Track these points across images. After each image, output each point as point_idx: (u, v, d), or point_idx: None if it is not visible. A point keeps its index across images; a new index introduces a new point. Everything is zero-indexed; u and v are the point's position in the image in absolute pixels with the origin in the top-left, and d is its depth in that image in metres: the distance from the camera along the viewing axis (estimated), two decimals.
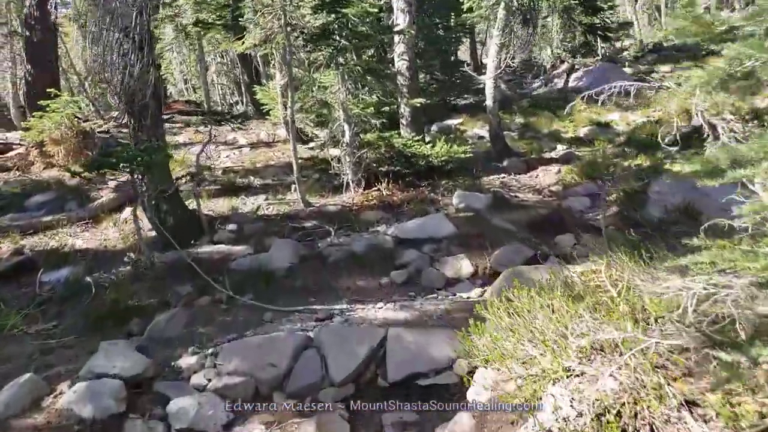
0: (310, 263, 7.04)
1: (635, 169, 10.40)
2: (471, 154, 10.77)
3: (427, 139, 11.40)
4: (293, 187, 11.16)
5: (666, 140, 11.15)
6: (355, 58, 9.87)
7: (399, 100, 10.90)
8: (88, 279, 7.09)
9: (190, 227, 8.09)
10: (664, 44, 28.37)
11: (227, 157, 14.89)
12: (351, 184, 9.89)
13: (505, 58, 11.63)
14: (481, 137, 15.79)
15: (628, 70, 23.82)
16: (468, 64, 24.06)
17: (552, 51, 15.83)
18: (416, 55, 16.94)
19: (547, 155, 11.94)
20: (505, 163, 11.43)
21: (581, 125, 14.81)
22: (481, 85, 23.82)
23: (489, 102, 11.74)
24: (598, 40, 13.35)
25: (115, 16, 7.54)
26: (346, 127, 9.82)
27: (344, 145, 9.87)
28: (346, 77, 9.63)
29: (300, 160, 13.65)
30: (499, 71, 11.52)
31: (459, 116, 17.53)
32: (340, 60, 9.63)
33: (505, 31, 11.74)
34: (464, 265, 6.78)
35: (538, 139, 14.43)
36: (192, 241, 7.86)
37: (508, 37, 11.78)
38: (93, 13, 7.83)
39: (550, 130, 15.42)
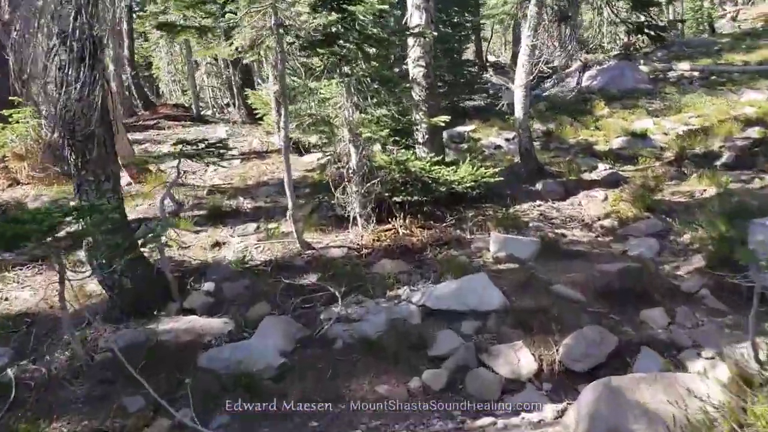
0: (309, 355, 4.96)
1: (702, 196, 8.36)
2: (501, 178, 8.70)
3: (448, 159, 9.32)
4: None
5: (725, 157, 9.06)
6: (364, 65, 7.76)
7: (415, 115, 8.81)
8: (10, 373, 5.02)
9: (154, 290, 6.00)
10: (676, 40, 26.24)
11: (215, 171, 12.80)
12: (359, 218, 7.82)
13: (538, 63, 9.53)
14: (498, 147, 13.71)
15: (644, 68, 21.74)
16: (475, 64, 21.91)
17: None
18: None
19: (586, 176, 9.86)
20: (538, 187, 9.36)
21: (613, 135, 12.73)
22: (488, 85, 21.81)
23: (518, 113, 9.64)
24: (646, 40, 11.24)
25: (46, 17, 5.42)
26: (352, 149, 7.73)
27: (350, 171, 7.78)
28: (352, 89, 7.52)
29: (297, 176, 11.57)
30: (531, 77, 9.42)
31: (470, 122, 15.42)
32: (346, 69, 7.53)
33: (538, 30, 9.63)
34: (524, 359, 4.72)
35: (565, 151, 12.36)
36: (156, 311, 5.80)
37: (541, 37, 9.69)
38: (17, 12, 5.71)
39: (576, 139, 13.33)
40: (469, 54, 24.79)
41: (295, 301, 5.86)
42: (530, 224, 8.01)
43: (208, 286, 6.22)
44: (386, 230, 7.62)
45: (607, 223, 7.91)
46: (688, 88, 18.08)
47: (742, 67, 20.27)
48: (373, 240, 7.45)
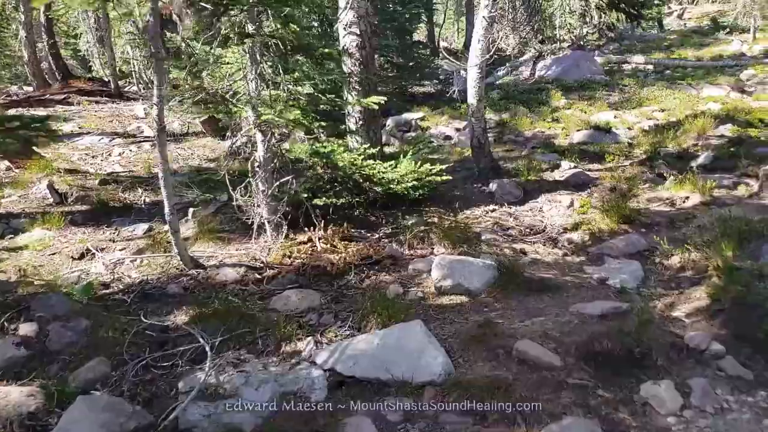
0: None
1: (684, 205, 6.75)
2: (449, 177, 6.89)
3: (390, 150, 7.45)
4: (191, 211, 7.07)
5: (702, 158, 7.54)
6: (277, 27, 5.77)
7: (346, 94, 6.87)
8: None
9: None
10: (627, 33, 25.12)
11: (120, 155, 10.55)
12: (267, 226, 5.86)
13: (495, 40, 7.71)
14: (448, 137, 11.93)
15: (599, 59, 20.34)
16: (426, 47, 19.99)
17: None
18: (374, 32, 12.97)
19: (548, 176, 8.15)
20: (492, 187, 7.59)
21: (573, 128, 11.09)
22: (439, 71, 19.95)
23: (472, 98, 7.81)
24: (622, 18, 9.38)
25: None
26: (258, 136, 5.74)
27: (255, 165, 5.79)
28: (258, 56, 5.52)
29: (212, 166, 9.47)
30: (487, 56, 7.59)
31: (419, 108, 13.55)
32: (249, 29, 5.51)
33: (496, 1, 7.80)
34: None
35: (521, 145, 10.66)
36: None
37: (500, 10, 7.87)
38: None
39: (533, 131, 11.66)
40: (421, 36, 22.88)
41: (147, 358, 3.87)
42: (483, 236, 6.23)
43: (27, 328, 4.15)
44: (301, 243, 5.69)
45: (576, 237, 6.20)
46: (646, 80, 16.73)
47: (697, 63, 19.11)
48: (283, 256, 5.51)
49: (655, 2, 9.81)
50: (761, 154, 8.15)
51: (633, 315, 4.26)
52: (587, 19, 11.37)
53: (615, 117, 12.01)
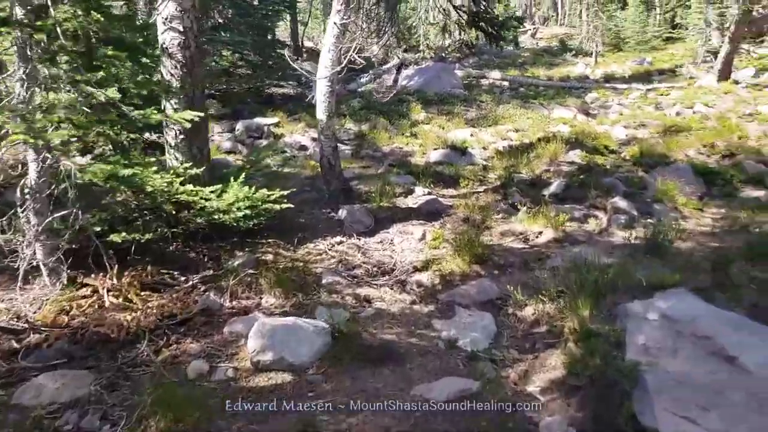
0: None
1: (538, 241, 6.34)
2: (290, 205, 5.87)
3: (234, 159, 6.24)
4: None
5: (554, 186, 7.28)
6: (77, 13, 4.40)
7: (164, 103, 5.58)
8: None
9: None
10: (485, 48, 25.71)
11: None
12: (43, 270, 4.45)
13: (349, 50, 6.83)
14: (303, 147, 10.93)
15: (459, 72, 20.51)
16: (288, 46, 18.73)
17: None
18: (215, 28, 11.59)
19: (401, 202, 7.43)
20: (342, 214, 6.70)
21: (431, 145, 10.59)
22: (298, 73, 18.83)
23: (321, 114, 6.84)
24: (480, 36, 8.92)
25: None
26: (30, 154, 4.31)
27: (26, 191, 4.36)
28: (30, 50, 4.11)
29: None
30: (338, 68, 6.67)
31: (275, 113, 12.36)
32: (18, 13, 4.08)
33: (351, 6, 6.91)
34: None
35: (378, 161, 9.93)
36: None
37: (354, 16, 7.00)
38: None
39: (391, 147, 11.02)
40: (283, 35, 21.56)
41: None
42: (324, 279, 5.30)
43: None
44: (85, 297, 4.36)
45: (426, 279, 5.49)
46: (502, 97, 16.98)
47: (548, 82, 19.91)
48: (59, 313, 4.16)
49: (513, 24, 9.65)
50: (608, 185, 8.10)
51: (485, 395, 3.56)
52: (446, 34, 10.93)
53: (471, 135, 11.75)
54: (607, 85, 18.94)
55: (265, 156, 7.82)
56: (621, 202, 7.34)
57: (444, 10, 8.42)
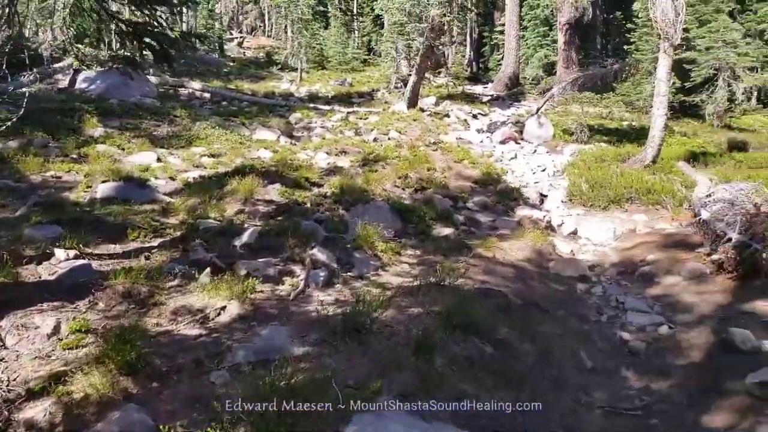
0: None
1: (219, 319, 4.91)
2: None
3: None
4: None
5: (247, 235, 6.07)
6: None
7: None
8: None
9: None
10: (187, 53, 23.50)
11: None
12: None
13: None
14: None
15: (154, 79, 17.99)
16: None
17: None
18: None
19: (31, 271, 5.19)
20: None
21: (101, 176, 8.28)
22: None
23: None
24: (144, 52, 6.90)
25: None
26: None
27: None
28: None
29: None
30: None
31: None
32: None
33: None
34: None
35: (19, 198, 7.30)
36: None
37: None
38: None
39: (44, 176, 8.38)
40: None
41: None
42: None
43: None
44: None
45: (41, 413, 3.56)
46: (201, 112, 15.18)
47: (253, 98, 18.79)
48: None
49: (189, 42, 8.07)
50: (307, 230, 7.18)
51: None
52: (102, 44, 8.82)
53: (159, 160, 9.80)
54: (311, 105, 18.70)
55: None
56: (320, 254, 6.43)
57: (97, 14, 6.31)
